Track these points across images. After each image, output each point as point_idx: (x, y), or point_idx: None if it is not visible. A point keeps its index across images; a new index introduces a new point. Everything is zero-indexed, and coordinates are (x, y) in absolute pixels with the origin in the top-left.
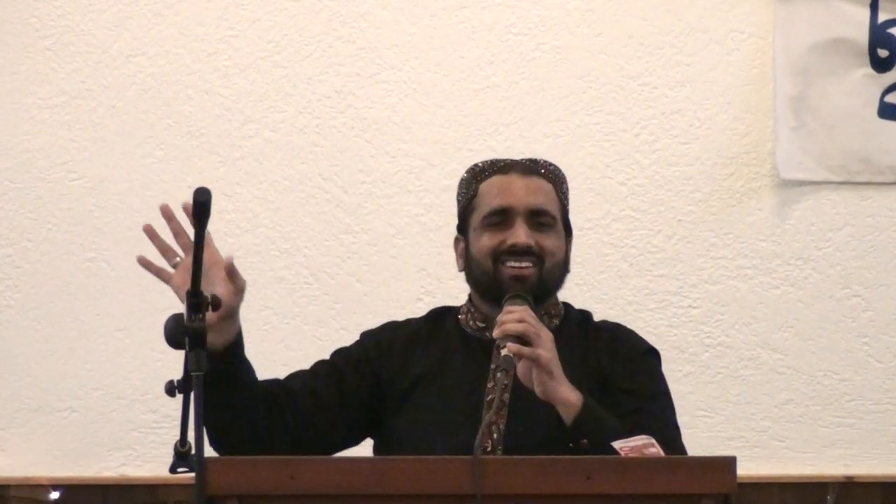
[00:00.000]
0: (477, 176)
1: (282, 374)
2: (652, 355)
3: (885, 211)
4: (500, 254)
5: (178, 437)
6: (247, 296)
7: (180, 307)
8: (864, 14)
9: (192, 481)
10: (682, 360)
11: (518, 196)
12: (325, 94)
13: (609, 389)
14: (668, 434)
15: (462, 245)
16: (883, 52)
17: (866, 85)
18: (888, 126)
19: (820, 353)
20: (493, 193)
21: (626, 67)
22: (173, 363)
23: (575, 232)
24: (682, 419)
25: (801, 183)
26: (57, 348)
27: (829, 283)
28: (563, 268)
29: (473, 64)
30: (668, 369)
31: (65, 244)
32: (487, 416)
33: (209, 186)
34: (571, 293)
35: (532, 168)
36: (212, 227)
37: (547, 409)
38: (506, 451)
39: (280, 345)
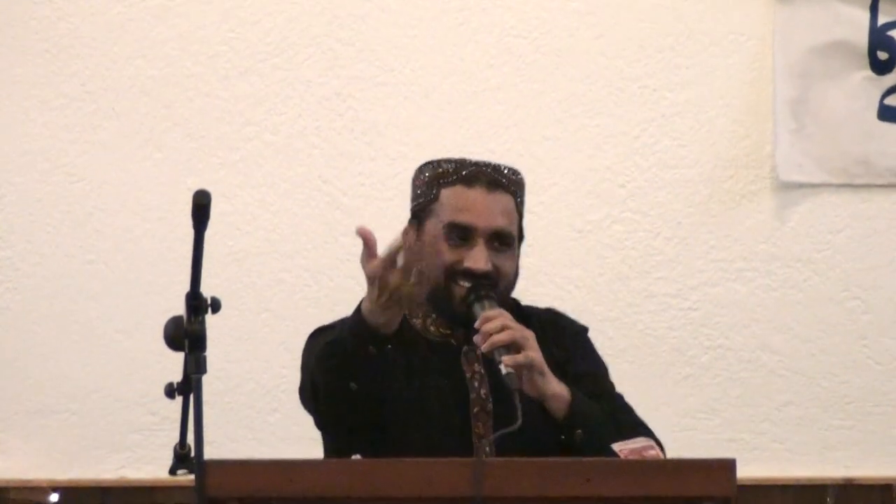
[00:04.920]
0: (439, 178)
1: (281, 375)
2: (587, 333)
3: (884, 213)
4: (455, 272)
5: (177, 440)
6: (246, 298)
7: (180, 309)
8: (864, 16)
9: (192, 483)
10: (682, 362)
11: (482, 216)
12: (324, 97)
13: (567, 376)
14: (633, 414)
15: (415, 241)
16: (882, 55)
17: (866, 87)
18: (888, 128)
19: (819, 356)
20: (456, 207)
21: (625, 70)
22: (173, 365)
23: (575, 234)
24: (682, 421)
25: (801, 185)
26: (56, 350)
27: (829, 285)
28: (514, 282)
29: (473, 66)
30: (667, 372)
31: (64, 246)
32: (481, 431)
33: (209, 189)
34: (571, 295)
35: (496, 181)
36: (211, 229)
37: (529, 409)
38: None
39: (280, 347)
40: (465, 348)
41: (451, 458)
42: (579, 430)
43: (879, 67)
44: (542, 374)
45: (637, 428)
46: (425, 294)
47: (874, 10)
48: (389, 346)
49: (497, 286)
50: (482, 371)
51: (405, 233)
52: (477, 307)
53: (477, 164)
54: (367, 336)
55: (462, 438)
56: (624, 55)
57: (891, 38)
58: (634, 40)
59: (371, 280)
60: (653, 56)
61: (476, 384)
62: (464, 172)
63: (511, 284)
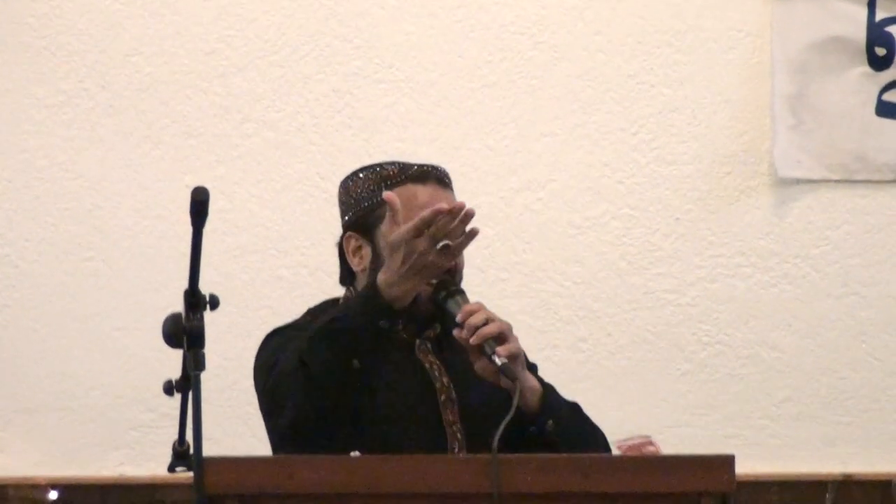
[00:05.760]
0: (385, 180)
1: None
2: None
3: (882, 209)
4: None
5: (176, 437)
6: (245, 295)
7: (178, 306)
8: (862, 12)
9: (191, 481)
10: (681, 358)
11: None
12: (322, 94)
13: None
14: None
15: (364, 248)
16: (880, 51)
17: (864, 83)
18: (886, 124)
19: (818, 352)
20: (411, 204)
21: (623, 66)
22: (171, 362)
23: (573, 231)
24: (680, 417)
25: (799, 181)
26: (55, 348)
27: (827, 281)
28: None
29: (471, 62)
30: (666, 368)
31: (63, 244)
32: (451, 418)
33: (207, 186)
34: (569, 291)
35: (442, 178)
36: (210, 226)
37: (490, 399)
38: (470, 450)
39: None
40: (417, 342)
41: (448, 452)
42: (551, 421)
43: (877, 63)
44: (523, 365)
45: (591, 421)
46: (447, 267)
47: (872, 5)
48: (400, 322)
49: (454, 278)
50: (437, 362)
51: (347, 241)
52: (451, 303)
53: (418, 164)
54: (381, 310)
55: (433, 426)
56: (622, 51)
57: (889, 33)
58: (632, 36)
59: (395, 247)
60: (650, 52)
61: (437, 373)
62: (410, 171)
63: (461, 279)
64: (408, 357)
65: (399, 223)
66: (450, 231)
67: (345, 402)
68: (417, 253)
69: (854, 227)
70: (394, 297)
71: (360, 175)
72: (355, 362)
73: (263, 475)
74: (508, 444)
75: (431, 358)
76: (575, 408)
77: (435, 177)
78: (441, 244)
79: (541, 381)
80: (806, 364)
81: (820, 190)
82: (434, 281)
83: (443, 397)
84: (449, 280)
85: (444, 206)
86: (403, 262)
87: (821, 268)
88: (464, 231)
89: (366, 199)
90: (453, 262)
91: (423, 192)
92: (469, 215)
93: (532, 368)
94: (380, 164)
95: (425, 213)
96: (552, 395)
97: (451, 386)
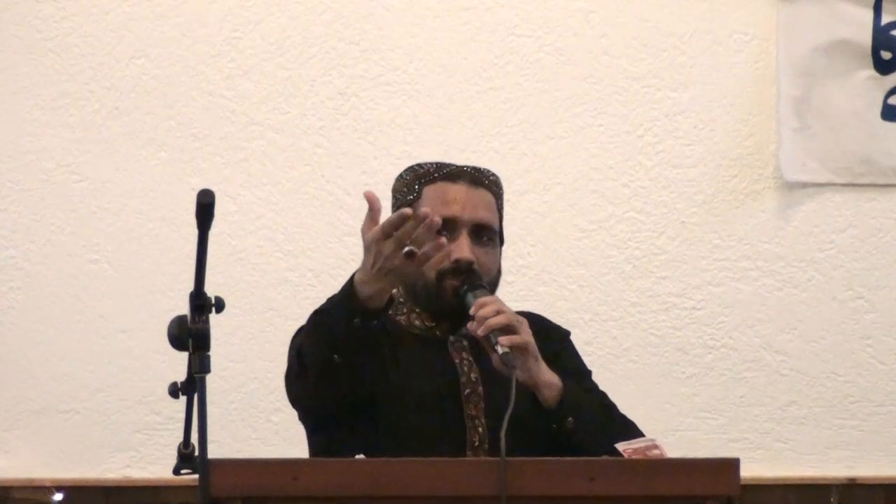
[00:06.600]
0: (421, 177)
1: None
2: (570, 337)
3: (888, 213)
4: (444, 270)
5: (181, 439)
6: (250, 298)
7: (184, 309)
8: (868, 16)
9: (196, 483)
10: (686, 361)
11: (466, 208)
12: (328, 96)
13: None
14: (616, 407)
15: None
16: (886, 54)
17: (869, 87)
18: (891, 128)
19: (823, 355)
20: (439, 200)
21: (629, 69)
22: (177, 365)
23: (578, 233)
24: (685, 421)
25: (805, 185)
26: (60, 350)
27: (833, 284)
28: (497, 282)
29: (477, 66)
30: (671, 371)
31: (68, 246)
32: (473, 413)
33: (212, 188)
34: (574, 294)
35: (478, 179)
36: (215, 229)
37: (519, 395)
38: (492, 445)
39: (284, 347)
40: (451, 338)
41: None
42: (570, 418)
43: (883, 67)
44: (536, 359)
45: (627, 422)
46: (415, 272)
47: (878, 9)
48: (375, 322)
49: (481, 279)
50: (470, 358)
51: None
52: (470, 297)
53: (458, 165)
54: (355, 307)
55: (454, 420)
56: (627, 54)
57: (894, 37)
58: (638, 39)
59: (367, 247)
60: (656, 55)
61: (465, 369)
62: (446, 171)
63: (494, 283)
64: (439, 353)
65: (376, 222)
66: (415, 237)
67: (339, 395)
68: (384, 255)
69: (859, 231)
70: (367, 296)
71: (404, 173)
72: (336, 357)
73: (268, 478)
74: (533, 443)
75: (464, 354)
76: (606, 406)
77: (469, 176)
78: (406, 249)
79: (591, 385)
80: (811, 368)
81: (825, 193)
82: (456, 281)
83: (467, 391)
84: (474, 276)
85: (408, 210)
86: (374, 263)
87: (826, 271)
88: (430, 239)
89: (403, 195)
90: (436, 267)
91: (452, 189)
92: (434, 224)
93: (586, 374)
94: (422, 163)
95: (392, 216)
96: (573, 393)
97: (479, 382)
